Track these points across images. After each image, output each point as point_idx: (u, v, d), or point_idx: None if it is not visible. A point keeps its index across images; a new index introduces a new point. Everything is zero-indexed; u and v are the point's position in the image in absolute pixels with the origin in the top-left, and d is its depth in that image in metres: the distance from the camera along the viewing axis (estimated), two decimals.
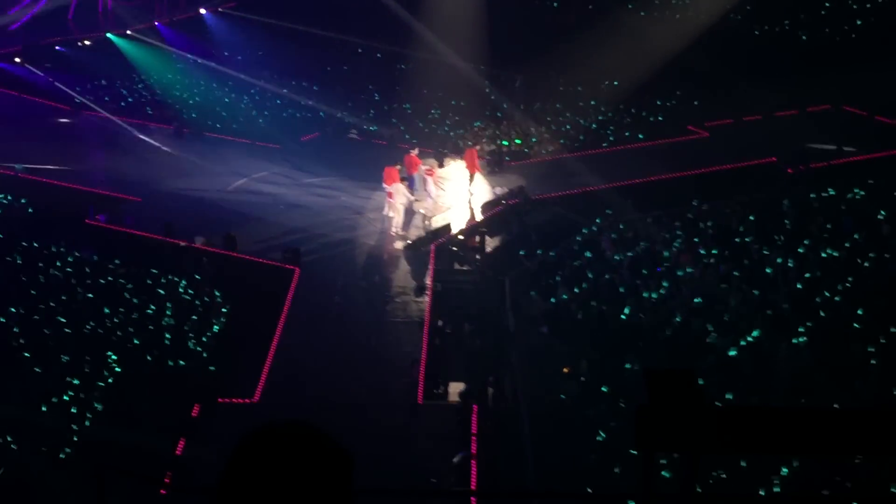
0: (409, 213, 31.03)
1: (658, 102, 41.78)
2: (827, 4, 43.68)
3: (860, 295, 21.33)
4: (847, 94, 37.75)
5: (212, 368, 22.18)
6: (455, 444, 19.52)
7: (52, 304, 22.67)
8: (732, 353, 19.80)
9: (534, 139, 40.07)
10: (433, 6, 43.29)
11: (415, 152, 33.31)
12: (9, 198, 29.93)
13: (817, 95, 38.50)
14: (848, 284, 21.97)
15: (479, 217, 31.44)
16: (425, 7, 43.50)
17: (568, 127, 40.43)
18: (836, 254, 23.78)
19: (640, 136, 40.02)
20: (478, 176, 33.87)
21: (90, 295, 23.61)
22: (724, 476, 15.94)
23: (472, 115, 42.16)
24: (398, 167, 31.06)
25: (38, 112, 41.45)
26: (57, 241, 26.62)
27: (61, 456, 17.87)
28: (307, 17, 45.98)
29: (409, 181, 31.79)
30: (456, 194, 33.83)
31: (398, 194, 30.06)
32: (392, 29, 44.33)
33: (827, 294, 21.61)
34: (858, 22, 43.14)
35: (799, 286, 22.28)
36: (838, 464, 15.05)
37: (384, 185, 30.65)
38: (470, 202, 32.78)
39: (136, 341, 21.76)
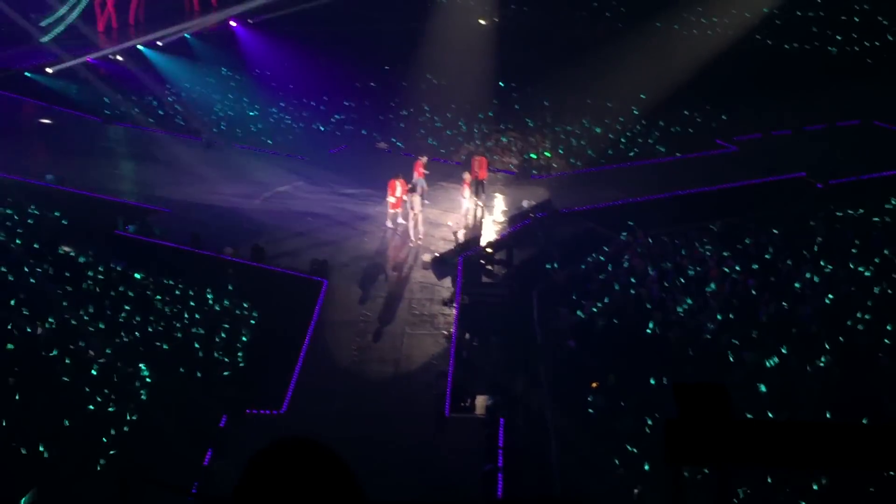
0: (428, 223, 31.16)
1: (686, 114, 41.68)
2: (856, 20, 43.54)
3: (889, 310, 21.22)
4: (877, 109, 37.63)
5: (241, 378, 22.25)
6: (482, 457, 19.53)
7: (82, 314, 22.79)
8: (762, 368, 19.73)
9: (561, 152, 40.02)
10: (462, 20, 43.40)
11: (424, 159, 33.25)
12: (41, 209, 30.16)
13: (847, 110, 38.39)
14: (876, 299, 21.86)
15: (488, 226, 31.76)
16: (454, 20, 43.60)
17: (591, 142, 40.34)
18: (865, 269, 23.67)
19: (668, 149, 39.94)
20: (486, 184, 33.14)
21: (121, 305, 23.71)
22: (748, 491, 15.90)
23: (499, 128, 42.14)
24: (400, 178, 30.94)
25: (68, 124, 41.73)
26: (87, 251, 26.77)
27: (89, 466, 17.97)
28: (337, 29, 46.23)
29: (413, 185, 31.84)
30: (488, 207, 33.77)
31: (413, 203, 30.10)
32: (420, 42, 44.47)
33: (856, 309, 21.50)
34: (889, 38, 42.97)
35: (827, 301, 22.18)
36: (868, 478, 14.96)
37: (388, 198, 30.76)
38: (479, 211, 32.57)
39: (165, 349, 21.86)
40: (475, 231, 31.06)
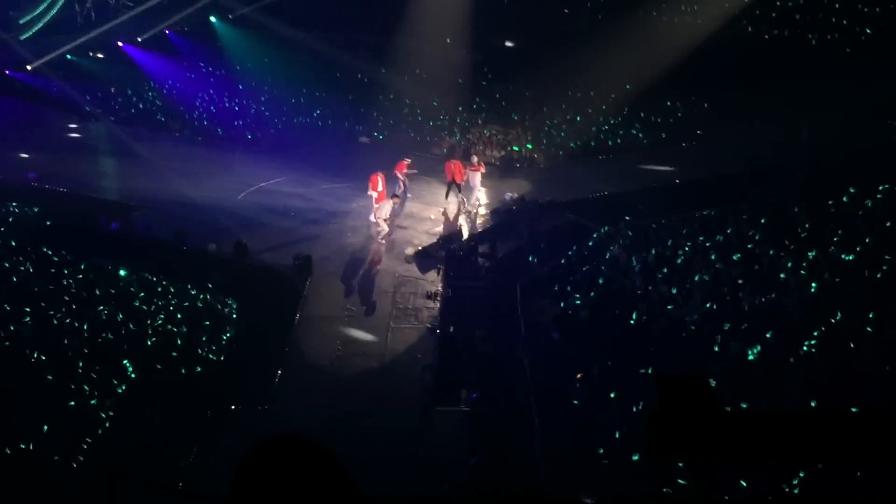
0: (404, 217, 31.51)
1: (668, 105, 41.72)
2: (837, 6, 43.56)
3: (872, 298, 21.24)
4: (857, 98, 37.64)
5: (224, 374, 22.19)
6: (467, 449, 19.53)
7: (65, 311, 22.69)
8: (750, 356, 19.74)
9: (544, 144, 40.05)
10: (442, 11, 43.30)
11: (407, 161, 33.41)
12: (22, 207, 30.06)
13: (829, 99, 38.37)
14: (860, 288, 21.89)
15: (471, 220, 32.12)
16: (434, 11, 43.48)
17: (574, 133, 40.42)
18: (848, 258, 23.69)
19: (650, 140, 40.04)
20: (464, 186, 33.16)
21: (104, 302, 23.62)
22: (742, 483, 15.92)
23: (481, 120, 42.18)
24: (381, 173, 31.03)
25: (49, 120, 41.62)
26: (69, 248, 26.67)
27: (74, 464, 17.90)
28: (316, 26, 46.17)
29: (392, 182, 32.01)
30: (477, 201, 33.87)
31: (382, 204, 30.22)
32: (398, 37, 44.39)
33: (839, 298, 21.52)
34: (868, 26, 43.01)
35: (811, 290, 22.21)
36: (851, 469, 14.98)
37: (369, 192, 30.85)
38: (458, 214, 32.73)
39: (148, 347, 21.77)
40: (456, 226, 31.11)
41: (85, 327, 22.06)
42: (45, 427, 18.20)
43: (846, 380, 18.41)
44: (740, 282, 23.23)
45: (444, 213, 32.45)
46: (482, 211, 32.97)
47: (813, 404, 17.82)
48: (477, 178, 32.96)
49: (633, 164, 37.11)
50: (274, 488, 2.80)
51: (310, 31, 46.31)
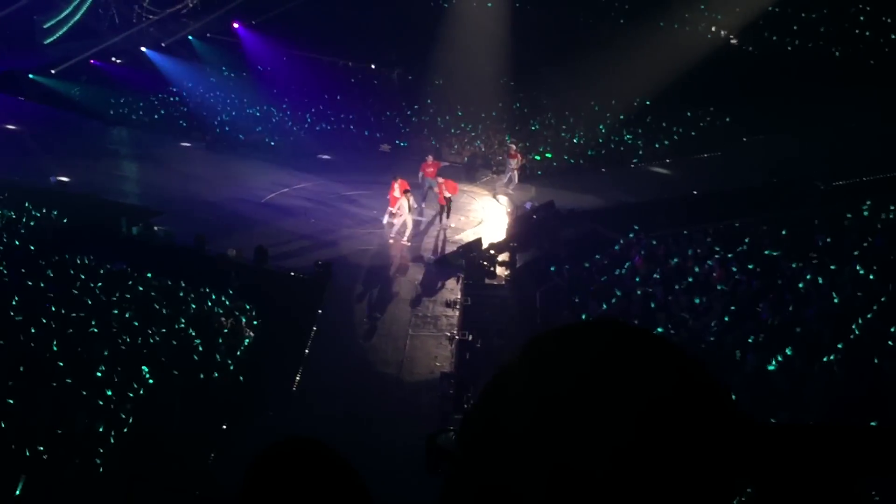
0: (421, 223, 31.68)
1: (689, 115, 41.67)
2: (861, 19, 43.41)
3: (893, 312, 21.12)
4: (882, 111, 37.46)
5: (242, 380, 22.17)
6: None
7: (84, 315, 22.72)
8: (770, 367, 19.64)
9: (564, 153, 40.01)
10: (461, 22, 43.39)
11: (430, 159, 33.29)
12: (43, 211, 30.17)
13: (851, 111, 38.23)
14: (879, 301, 21.76)
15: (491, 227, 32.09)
16: (454, 23, 43.58)
17: (599, 140, 40.41)
18: (867, 270, 23.57)
19: (671, 150, 39.94)
20: (452, 204, 32.34)
21: (123, 307, 23.65)
22: None
23: (502, 129, 42.17)
24: (401, 180, 30.90)
25: (71, 125, 41.80)
26: (90, 253, 26.74)
27: (91, 468, 17.91)
28: (338, 33, 46.27)
29: (424, 183, 31.98)
30: (485, 209, 33.86)
31: (402, 206, 30.06)
32: (420, 47, 44.46)
33: (859, 311, 21.40)
34: (893, 36, 42.83)
35: (833, 303, 22.09)
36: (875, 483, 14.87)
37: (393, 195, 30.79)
38: (445, 234, 31.94)
39: (167, 351, 21.77)
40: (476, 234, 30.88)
41: (104, 332, 22.10)
42: (63, 431, 18.23)
43: (867, 393, 18.29)
44: (760, 294, 23.12)
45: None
46: (504, 219, 32.93)
47: (833, 417, 17.70)
48: (513, 163, 35.30)
49: (654, 174, 37.04)
50: (282, 491, 2.78)
51: (333, 38, 46.48)
